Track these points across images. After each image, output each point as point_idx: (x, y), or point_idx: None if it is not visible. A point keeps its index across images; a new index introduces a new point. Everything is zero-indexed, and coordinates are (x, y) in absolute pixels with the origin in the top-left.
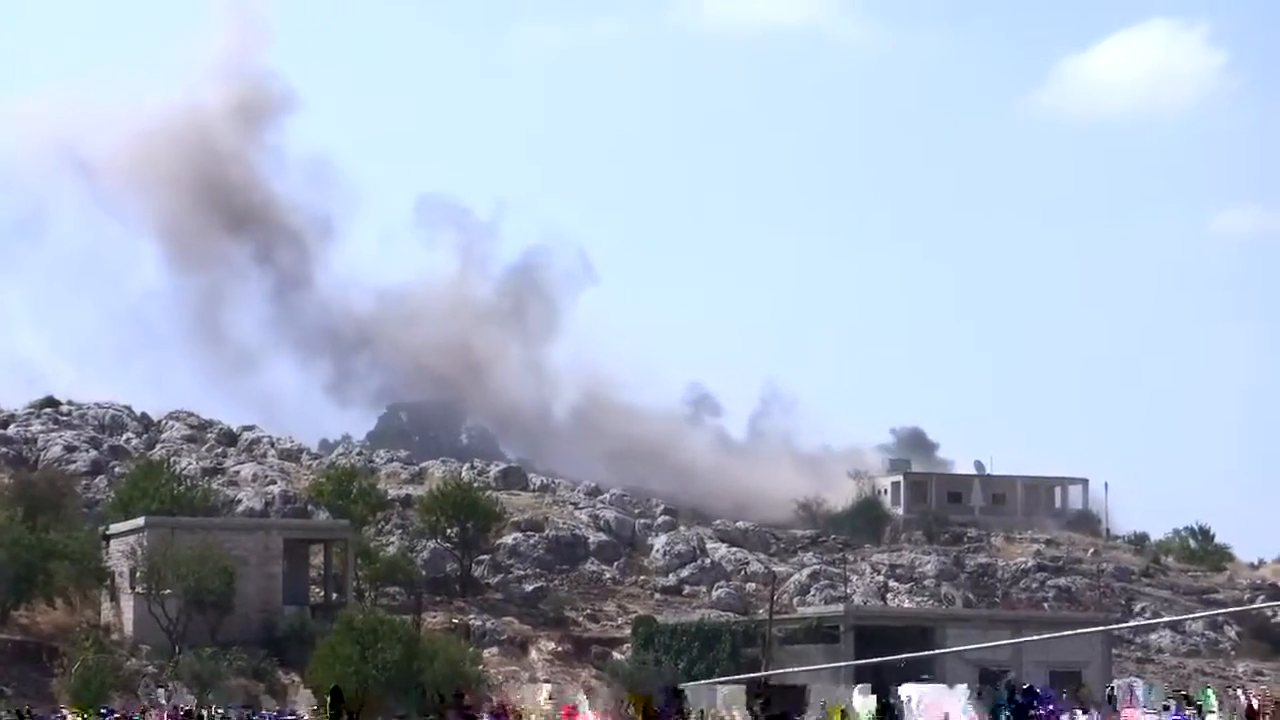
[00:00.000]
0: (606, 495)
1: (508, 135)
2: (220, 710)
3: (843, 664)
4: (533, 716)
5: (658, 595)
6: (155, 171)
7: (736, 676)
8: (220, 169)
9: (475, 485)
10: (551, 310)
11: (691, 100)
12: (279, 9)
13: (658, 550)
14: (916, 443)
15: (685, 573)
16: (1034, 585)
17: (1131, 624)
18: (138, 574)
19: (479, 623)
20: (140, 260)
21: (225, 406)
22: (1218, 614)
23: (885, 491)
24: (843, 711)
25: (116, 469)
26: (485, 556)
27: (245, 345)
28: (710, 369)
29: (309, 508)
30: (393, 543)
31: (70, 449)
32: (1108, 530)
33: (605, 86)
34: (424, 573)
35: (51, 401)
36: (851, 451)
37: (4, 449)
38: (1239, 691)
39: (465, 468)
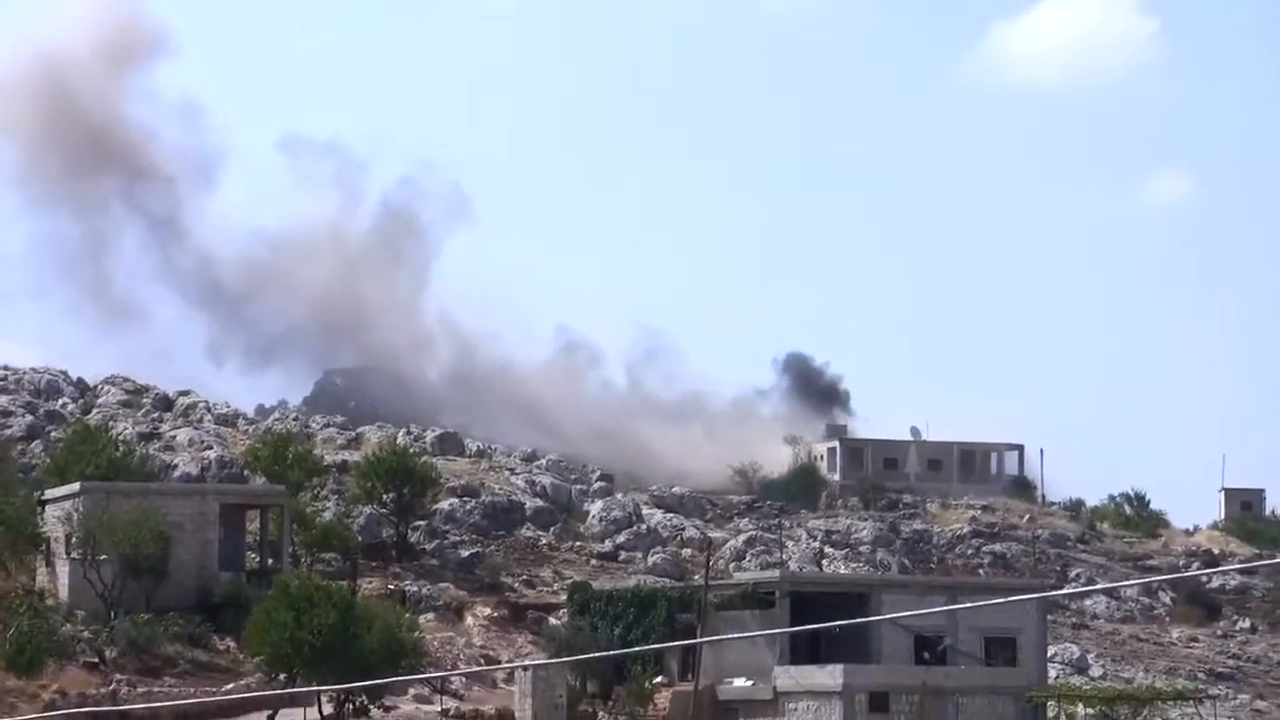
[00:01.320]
0: (543, 461)
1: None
2: None
3: (778, 631)
4: None
5: (594, 561)
6: (16, 118)
7: (672, 643)
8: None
9: (411, 450)
10: (427, 252)
11: (599, 48)
12: None
13: (594, 516)
14: (799, 369)
15: (621, 539)
16: (970, 551)
17: (1066, 591)
18: (73, 539)
19: (415, 589)
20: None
21: (111, 360)
22: (1152, 580)
23: (821, 457)
24: None
25: (52, 434)
26: (421, 523)
27: (126, 294)
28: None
29: (245, 473)
30: (329, 509)
31: (5, 414)
32: (1043, 497)
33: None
34: (360, 539)
35: None
36: (740, 399)
37: None
38: None
39: (401, 433)
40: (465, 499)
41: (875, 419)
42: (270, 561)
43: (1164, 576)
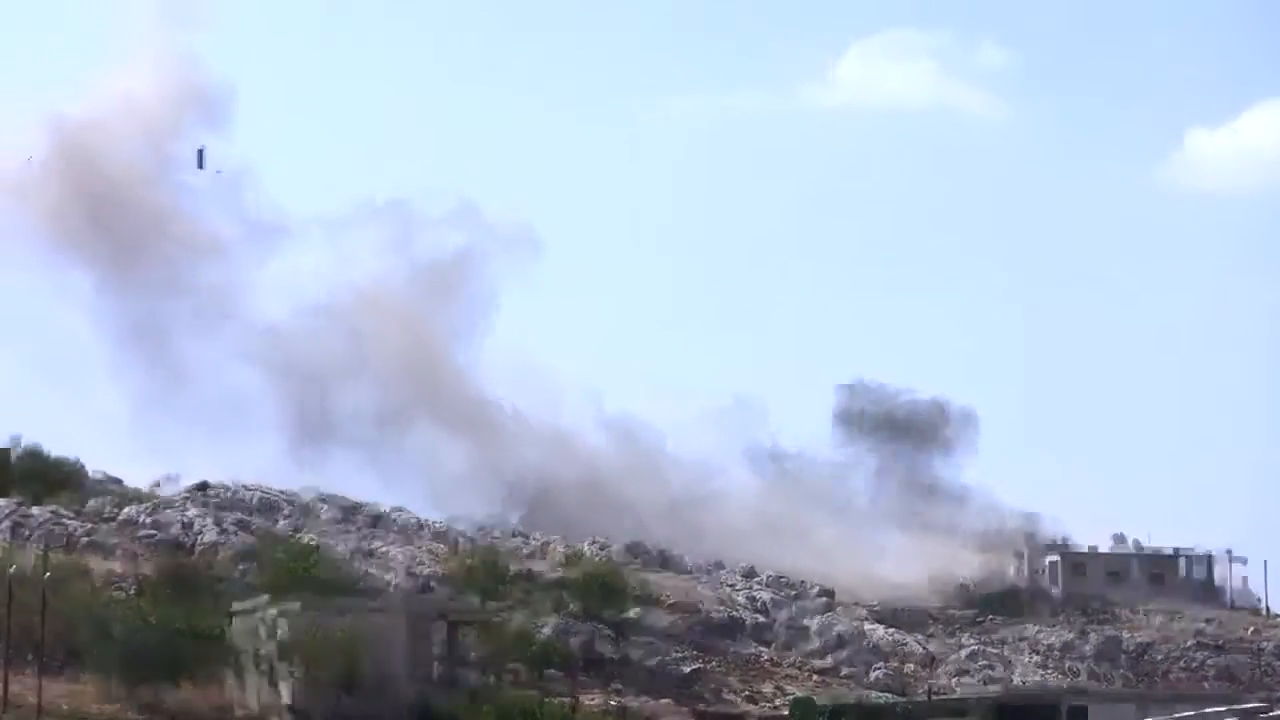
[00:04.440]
0: (761, 577)
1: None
2: None
3: None
4: None
5: (815, 677)
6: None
7: None
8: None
9: (629, 567)
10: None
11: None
12: None
13: (814, 632)
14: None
15: (843, 654)
16: (1192, 664)
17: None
18: (293, 657)
19: (636, 704)
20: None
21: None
22: None
23: (1042, 571)
24: None
25: (267, 552)
26: (639, 638)
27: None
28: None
29: (460, 590)
30: (548, 625)
31: (224, 533)
32: (1268, 608)
33: None
34: (578, 655)
35: (203, 486)
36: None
37: (157, 534)
38: None
39: (621, 549)
40: (685, 615)
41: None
42: (493, 679)
43: None
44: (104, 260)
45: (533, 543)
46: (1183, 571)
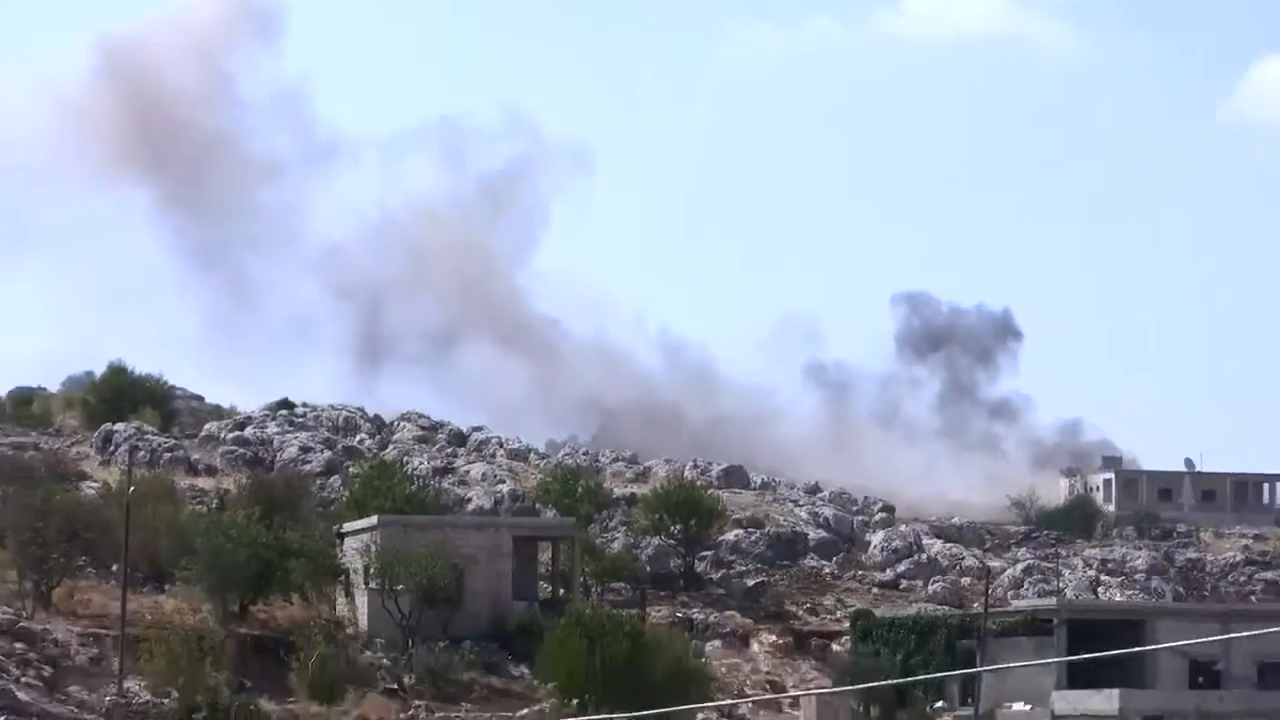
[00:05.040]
0: (825, 493)
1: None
2: None
3: (1057, 660)
4: None
5: (875, 590)
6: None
7: (953, 672)
8: None
9: (697, 484)
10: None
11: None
12: None
13: (875, 546)
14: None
15: (902, 568)
16: (1243, 579)
17: None
18: (371, 571)
19: (702, 617)
20: None
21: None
22: None
23: (1097, 488)
24: None
25: (350, 469)
26: (707, 553)
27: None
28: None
29: (536, 506)
30: (617, 540)
31: (305, 450)
32: None
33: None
34: (648, 569)
35: (286, 404)
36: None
37: (242, 450)
38: None
39: (688, 466)
40: (750, 530)
41: (1150, 451)
42: (562, 591)
43: None
44: (164, 181)
45: (601, 462)
46: (1266, 496)
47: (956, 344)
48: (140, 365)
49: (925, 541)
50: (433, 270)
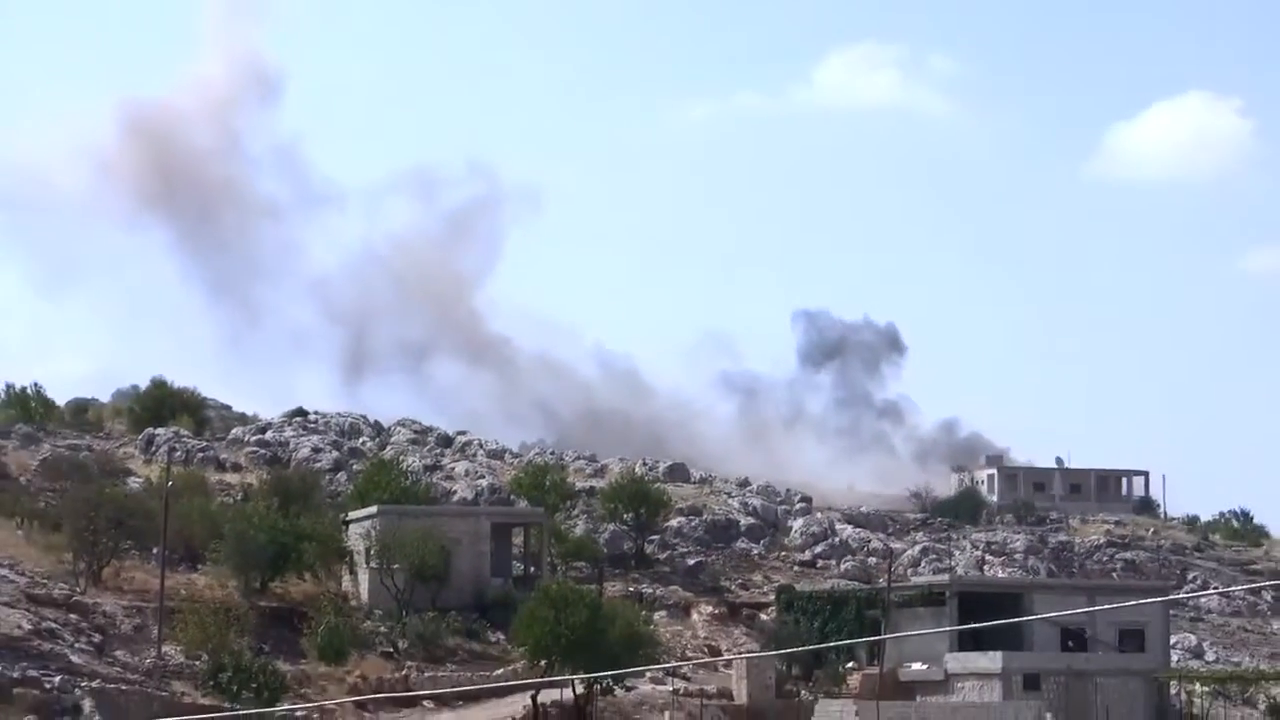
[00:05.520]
0: (753, 486)
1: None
2: None
3: (949, 629)
4: None
5: (796, 568)
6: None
7: (862, 639)
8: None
9: (646, 478)
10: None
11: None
12: None
13: (796, 531)
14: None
15: (818, 549)
16: (1105, 559)
17: (1185, 595)
18: (371, 552)
19: (650, 591)
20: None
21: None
22: (1260, 585)
23: (982, 482)
24: None
25: (354, 467)
26: (655, 536)
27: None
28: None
29: (511, 497)
30: (579, 526)
31: (316, 450)
32: (1165, 513)
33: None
34: (605, 550)
35: (301, 412)
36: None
37: (262, 451)
38: None
39: (639, 463)
40: (691, 517)
41: (1026, 450)
42: (532, 569)
43: (1268, 583)
44: (181, 222)
45: (565, 460)
46: (1125, 489)
47: (849, 354)
48: (169, 377)
49: (838, 527)
50: (407, 295)
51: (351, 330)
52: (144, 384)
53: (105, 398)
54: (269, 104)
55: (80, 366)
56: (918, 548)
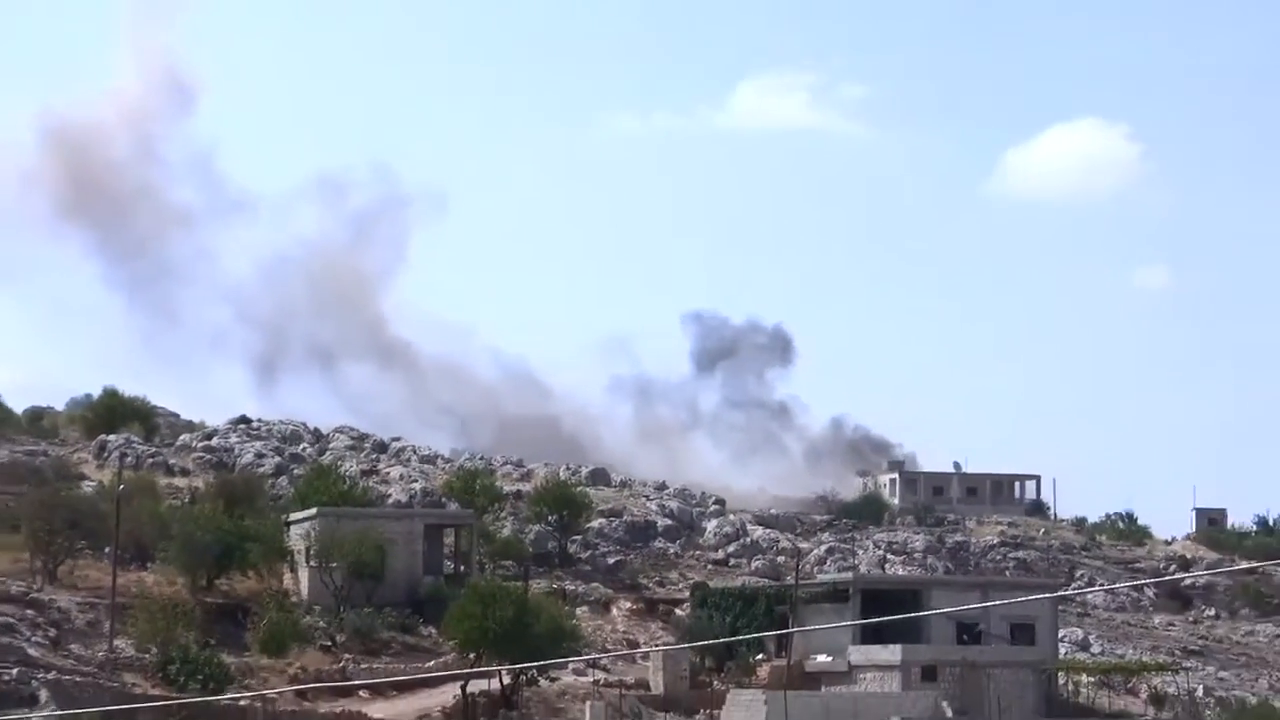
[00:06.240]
0: (669, 489)
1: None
2: None
3: (852, 623)
4: None
5: (710, 566)
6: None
7: (771, 632)
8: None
9: (569, 482)
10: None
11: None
12: None
13: (710, 531)
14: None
15: (731, 548)
16: (999, 558)
17: (1073, 591)
18: (311, 552)
19: (573, 588)
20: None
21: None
22: (1141, 583)
23: (885, 486)
24: None
25: (295, 471)
26: (578, 537)
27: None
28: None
29: (443, 500)
30: (506, 527)
31: (260, 456)
32: (1055, 515)
33: None
34: (530, 550)
35: (244, 419)
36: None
37: (209, 456)
38: None
39: (562, 468)
40: (611, 519)
41: (925, 456)
42: (462, 568)
43: (1149, 580)
44: (99, 229)
45: (494, 465)
46: (990, 488)
47: (740, 356)
48: (88, 381)
49: (749, 527)
50: (316, 299)
51: (265, 333)
52: (97, 393)
53: (60, 405)
54: (184, 112)
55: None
56: (824, 547)
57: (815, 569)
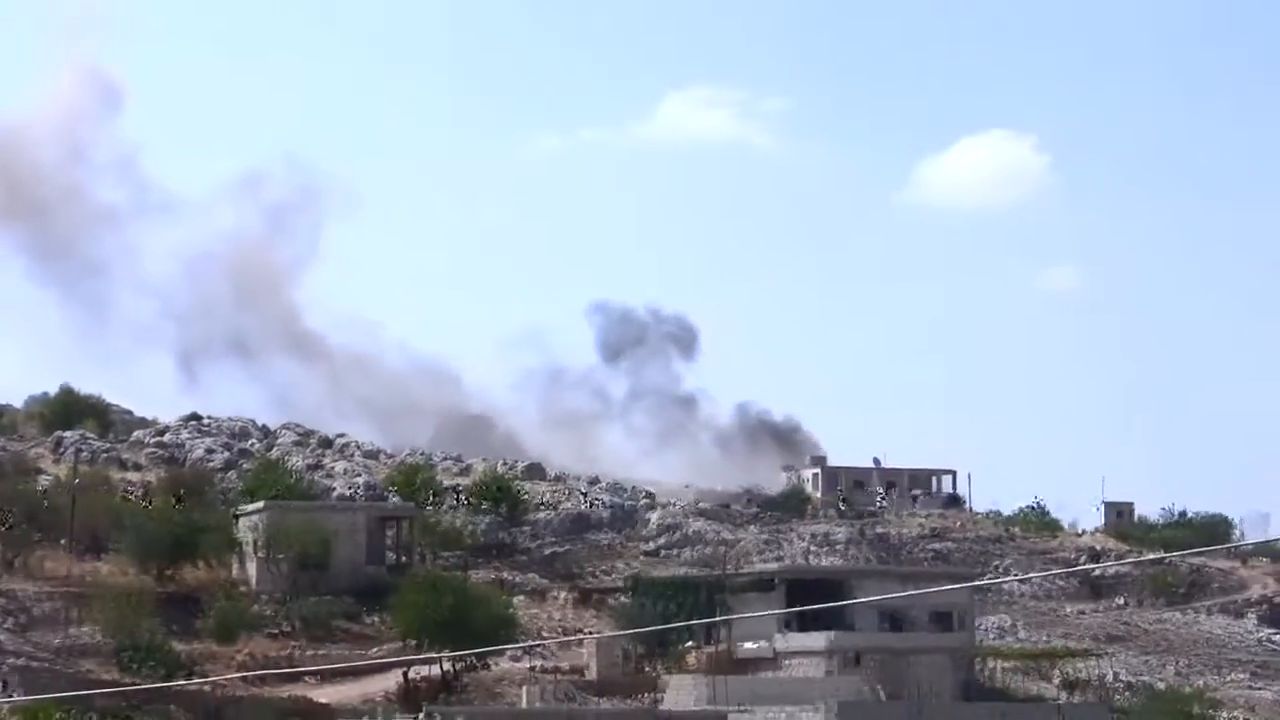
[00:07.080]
0: (603, 483)
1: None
2: None
3: (779, 612)
4: None
5: (645, 557)
6: None
7: (702, 620)
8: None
9: (506, 476)
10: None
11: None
12: None
13: (651, 524)
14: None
15: (664, 540)
16: (919, 550)
17: (989, 581)
18: (260, 543)
19: (512, 578)
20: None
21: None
22: (1054, 573)
23: (808, 480)
24: None
25: (244, 466)
26: (526, 528)
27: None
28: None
29: (386, 494)
30: (457, 518)
31: (210, 451)
32: (971, 508)
33: None
34: (482, 540)
35: (195, 416)
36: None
37: (161, 451)
38: None
39: (500, 463)
40: (549, 511)
41: (844, 451)
42: (404, 559)
43: (1063, 570)
44: (26, 226)
45: (435, 460)
46: (908, 482)
47: (647, 346)
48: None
49: (684, 520)
50: (235, 294)
51: (187, 328)
52: (54, 391)
53: (19, 404)
54: (111, 114)
55: None
56: (754, 539)
57: (742, 560)
